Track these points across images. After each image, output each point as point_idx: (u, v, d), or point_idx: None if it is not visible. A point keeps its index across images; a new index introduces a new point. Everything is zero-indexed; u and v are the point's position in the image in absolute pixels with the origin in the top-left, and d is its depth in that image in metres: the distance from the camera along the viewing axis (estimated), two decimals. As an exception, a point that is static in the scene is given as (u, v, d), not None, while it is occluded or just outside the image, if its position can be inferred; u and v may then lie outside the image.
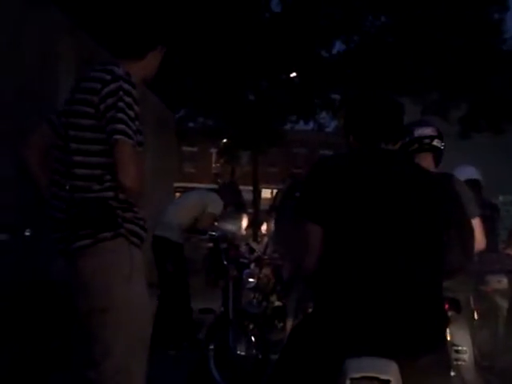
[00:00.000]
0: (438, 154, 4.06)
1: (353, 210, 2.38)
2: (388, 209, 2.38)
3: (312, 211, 2.46)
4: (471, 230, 3.85)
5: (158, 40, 3.07)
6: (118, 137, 2.71)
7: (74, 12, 5.77)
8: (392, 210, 2.38)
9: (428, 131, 4.03)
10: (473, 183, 5.75)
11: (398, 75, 16.58)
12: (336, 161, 2.59)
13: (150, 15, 3.08)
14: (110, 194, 2.78)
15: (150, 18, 3.08)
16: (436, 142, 4.02)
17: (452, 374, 3.69)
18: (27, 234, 4.11)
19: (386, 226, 2.37)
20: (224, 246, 5.60)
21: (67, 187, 2.80)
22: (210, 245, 6.52)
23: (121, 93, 2.75)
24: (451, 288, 3.59)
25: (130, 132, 2.73)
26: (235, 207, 6.29)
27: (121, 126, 2.72)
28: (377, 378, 2.19)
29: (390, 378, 2.19)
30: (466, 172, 5.89)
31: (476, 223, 3.92)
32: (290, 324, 5.32)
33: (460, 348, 3.84)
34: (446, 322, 2.51)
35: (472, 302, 4.95)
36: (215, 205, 6.28)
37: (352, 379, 2.19)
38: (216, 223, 6.27)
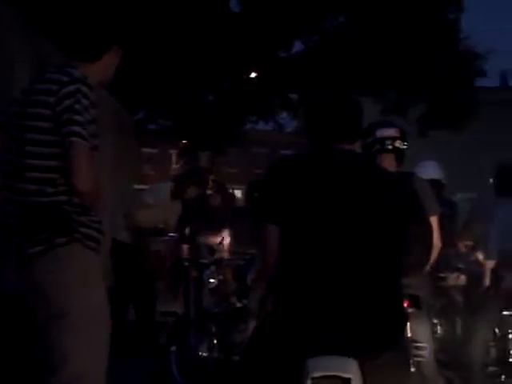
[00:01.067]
0: (399, 154, 4.10)
1: (307, 210, 2.39)
2: (342, 208, 2.39)
3: (268, 212, 2.47)
4: (430, 228, 3.89)
5: (112, 41, 3.03)
6: (73, 139, 2.67)
7: (28, 11, 5.69)
8: (347, 210, 2.39)
9: (390, 132, 4.07)
10: (434, 182, 5.84)
11: (357, 75, 16.71)
12: (292, 162, 2.60)
13: (104, 16, 3.04)
14: (64, 197, 2.74)
15: (104, 19, 3.05)
16: (398, 144, 4.06)
17: (412, 369, 3.73)
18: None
19: (340, 226, 2.38)
20: (184, 246, 5.58)
21: (22, 191, 2.76)
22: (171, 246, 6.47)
23: (78, 95, 2.71)
24: (411, 285, 3.63)
25: (86, 134, 2.69)
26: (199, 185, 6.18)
27: (77, 128, 2.68)
28: (338, 377, 2.21)
29: (351, 377, 2.21)
30: (428, 171, 5.97)
31: (433, 221, 3.97)
32: (252, 325, 5.32)
33: (420, 344, 3.89)
34: (404, 320, 2.53)
35: (431, 299, 5.02)
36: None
37: (313, 378, 2.20)
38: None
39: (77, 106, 2.69)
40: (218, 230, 6.62)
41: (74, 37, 2.99)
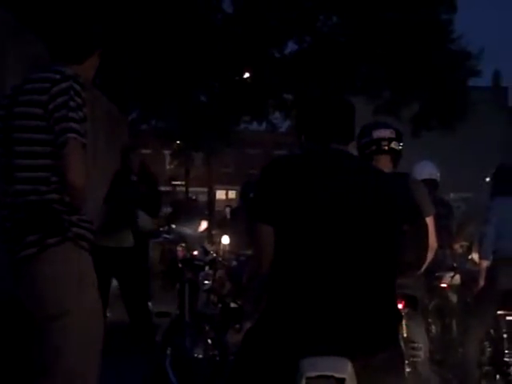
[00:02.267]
0: (395, 155, 4.10)
1: (302, 211, 2.38)
2: (338, 209, 2.39)
3: (264, 212, 2.46)
4: (426, 228, 3.89)
5: (96, 45, 3.01)
6: (70, 135, 2.64)
7: (20, 14, 5.67)
8: (342, 210, 2.40)
9: (386, 133, 4.07)
10: (430, 182, 5.85)
11: (350, 75, 16.75)
12: (287, 162, 2.60)
13: (91, 20, 3.03)
14: (56, 196, 2.71)
15: (89, 22, 3.03)
16: (394, 145, 4.05)
17: (408, 370, 3.73)
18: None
19: (335, 226, 2.38)
20: (179, 248, 5.58)
21: (11, 192, 2.74)
22: (166, 247, 6.47)
23: (71, 92, 2.69)
24: (406, 285, 3.63)
25: (81, 131, 2.68)
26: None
27: (73, 125, 2.66)
28: (332, 377, 2.21)
29: (345, 377, 2.21)
30: (425, 170, 5.99)
31: (429, 222, 3.97)
32: (247, 325, 5.32)
33: (416, 345, 3.89)
34: (398, 320, 2.53)
35: (426, 299, 5.03)
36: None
37: (308, 378, 2.20)
38: (173, 226, 6.23)
39: (71, 103, 2.67)
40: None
41: (60, 40, 2.97)
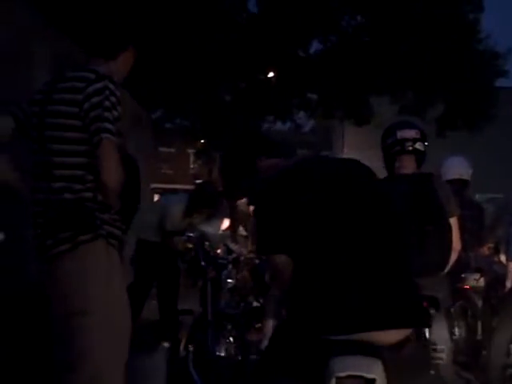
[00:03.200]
0: (420, 156, 4.08)
1: (317, 229, 2.35)
2: (350, 216, 2.39)
3: (274, 245, 2.42)
4: (450, 229, 3.86)
5: (129, 40, 3.03)
6: (104, 135, 2.68)
7: (46, 10, 5.72)
8: (353, 216, 2.40)
9: (411, 134, 4.04)
10: (459, 182, 5.78)
11: (374, 75, 16.65)
12: (270, 187, 2.50)
13: (123, 14, 3.06)
14: (89, 194, 2.75)
15: (122, 18, 3.05)
16: (418, 145, 4.03)
17: (431, 372, 3.70)
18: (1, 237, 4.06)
19: (352, 227, 2.38)
20: (203, 246, 5.58)
21: (46, 189, 2.77)
22: (189, 246, 6.49)
23: (107, 92, 2.72)
24: (429, 286, 3.61)
25: (115, 131, 2.71)
26: (210, 207, 6.26)
27: (108, 125, 2.69)
28: (362, 377, 2.19)
29: (376, 377, 2.19)
30: (454, 170, 5.90)
31: (453, 222, 3.94)
32: (269, 325, 5.31)
33: (439, 347, 3.86)
34: (427, 319, 2.51)
35: (449, 300, 4.98)
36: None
37: (338, 378, 2.19)
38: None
39: (106, 103, 2.70)
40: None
41: (92, 35, 3.00)
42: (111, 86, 2.74)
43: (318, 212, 2.36)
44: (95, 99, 2.71)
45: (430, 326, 2.39)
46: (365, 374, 2.19)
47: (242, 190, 2.74)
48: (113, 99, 2.73)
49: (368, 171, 2.57)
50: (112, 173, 2.68)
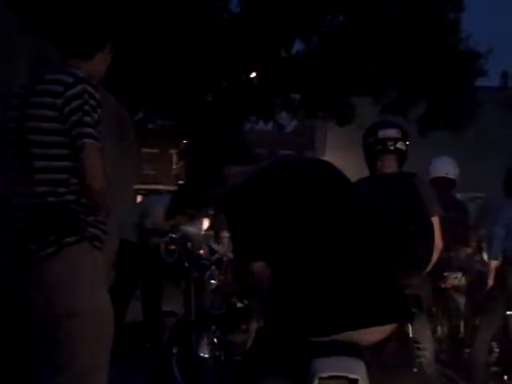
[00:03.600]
0: (401, 155, 4.09)
1: (294, 225, 2.34)
2: (326, 211, 2.39)
3: (248, 252, 2.41)
4: (432, 228, 3.88)
5: (106, 39, 3.01)
6: (86, 140, 2.68)
7: (26, 12, 5.68)
8: (329, 212, 2.39)
9: (392, 133, 4.05)
10: (443, 181, 5.80)
11: (357, 74, 16.71)
12: (239, 192, 2.48)
13: (99, 14, 3.03)
14: (73, 197, 2.75)
15: (98, 16, 3.03)
16: (400, 145, 4.04)
17: (414, 370, 3.72)
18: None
19: (328, 227, 2.36)
20: (185, 247, 5.57)
21: (27, 193, 2.76)
22: (172, 247, 6.48)
23: (86, 95, 2.71)
24: (412, 285, 3.62)
25: (97, 134, 2.70)
26: (193, 209, 6.25)
27: (88, 130, 2.69)
28: (345, 377, 2.19)
29: (358, 378, 2.19)
30: (439, 169, 5.91)
31: (435, 222, 3.96)
32: (253, 325, 5.30)
33: (421, 345, 3.87)
34: (410, 317, 2.51)
35: (431, 299, 5.01)
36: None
37: (320, 378, 2.18)
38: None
39: (86, 107, 2.70)
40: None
41: (67, 34, 2.97)
42: (90, 88, 2.73)
43: (292, 215, 2.35)
44: (74, 103, 2.69)
45: (411, 322, 2.39)
46: (347, 375, 2.19)
47: (209, 198, 2.73)
48: (92, 102, 2.72)
49: (339, 172, 2.56)
50: (95, 176, 2.68)
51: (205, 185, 2.72)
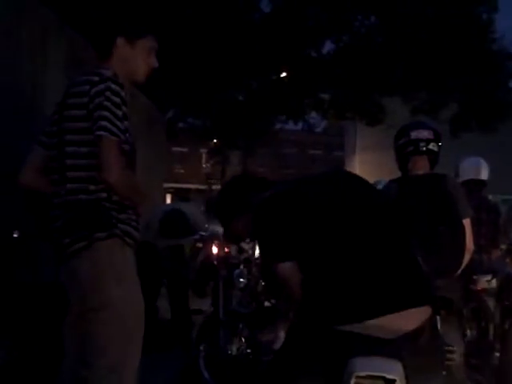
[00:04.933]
0: (433, 156, 4.06)
1: (322, 233, 2.42)
2: (355, 212, 2.46)
3: (281, 253, 2.47)
4: (463, 231, 3.85)
5: (115, 33, 3.01)
6: (100, 133, 2.72)
7: (64, 11, 5.75)
8: (358, 213, 2.46)
9: (425, 134, 4.03)
10: (475, 182, 5.74)
11: (387, 75, 16.62)
12: (271, 198, 2.60)
13: (100, 10, 3.08)
14: (104, 194, 2.79)
15: (100, 13, 3.08)
16: (432, 146, 4.02)
17: (443, 373, 3.70)
18: (15, 235, 4.10)
19: (358, 224, 2.44)
20: (214, 246, 5.59)
21: (62, 192, 2.81)
22: (200, 245, 6.51)
23: (108, 93, 2.76)
24: (442, 287, 3.60)
25: (114, 129, 2.73)
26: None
27: (104, 123, 2.73)
28: (382, 378, 2.19)
29: (396, 378, 2.19)
30: (470, 170, 5.85)
31: (466, 224, 3.93)
32: (281, 325, 5.31)
33: (451, 348, 3.85)
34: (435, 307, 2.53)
35: (462, 302, 4.96)
36: None
37: (357, 377, 2.19)
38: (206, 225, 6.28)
39: (106, 103, 2.74)
40: None
41: (91, 35, 3.05)
42: (113, 86, 2.78)
43: (324, 215, 2.43)
44: (97, 100, 2.76)
45: (437, 308, 2.42)
46: (385, 375, 2.19)
47: (242, 227, 2.84)
48: (115, 99, 2.76)
49: (361, 179, 2.68)
50: (111, 168, 2.70)
51: (235, 215, 2.86)
